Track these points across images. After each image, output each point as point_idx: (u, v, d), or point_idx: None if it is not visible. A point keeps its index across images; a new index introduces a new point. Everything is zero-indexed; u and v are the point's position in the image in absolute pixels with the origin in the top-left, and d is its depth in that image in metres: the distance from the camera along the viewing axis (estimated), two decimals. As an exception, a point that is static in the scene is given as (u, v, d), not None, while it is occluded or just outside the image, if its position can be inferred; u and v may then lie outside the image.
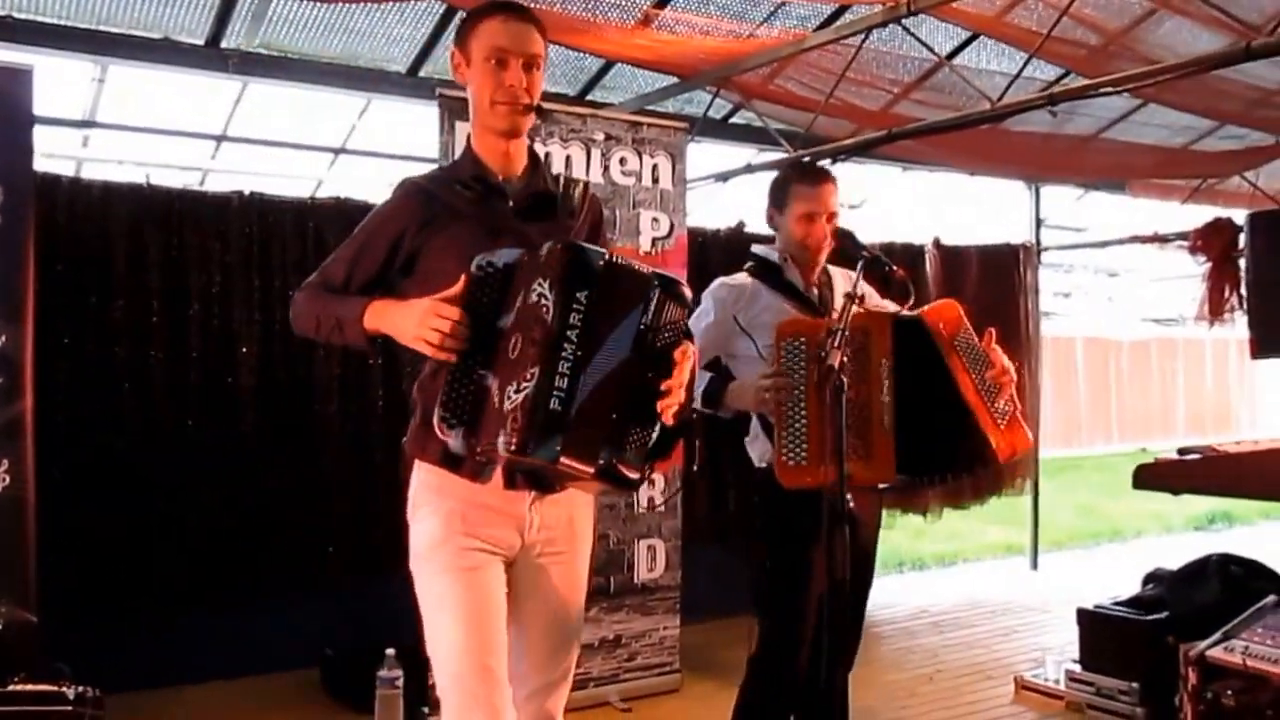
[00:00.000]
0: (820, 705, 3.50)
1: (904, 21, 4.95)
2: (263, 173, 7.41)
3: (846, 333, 3.04)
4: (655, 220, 5.31)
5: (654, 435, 2.38)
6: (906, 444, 3.23)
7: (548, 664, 2.64)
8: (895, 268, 3.32)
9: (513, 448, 2.19)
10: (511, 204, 2.58)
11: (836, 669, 3.47)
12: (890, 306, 3.63)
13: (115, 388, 5.08)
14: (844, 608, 3.44)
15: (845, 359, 3.00)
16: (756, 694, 3.55)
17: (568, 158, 5.03)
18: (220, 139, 7.02)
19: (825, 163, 6.80)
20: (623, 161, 5.20)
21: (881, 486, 3.54)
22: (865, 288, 3.66)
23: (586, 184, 2.84)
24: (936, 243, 7.76)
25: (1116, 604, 5.19)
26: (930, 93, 6.29)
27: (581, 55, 6.04)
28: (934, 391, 3.26)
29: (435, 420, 2.30)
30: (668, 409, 2.37)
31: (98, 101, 6.26)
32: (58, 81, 6.68)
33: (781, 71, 5.98)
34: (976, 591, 7.93)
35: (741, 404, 3.47)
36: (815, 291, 3.65)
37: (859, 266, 3.21)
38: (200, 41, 5.48)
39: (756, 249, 3.78)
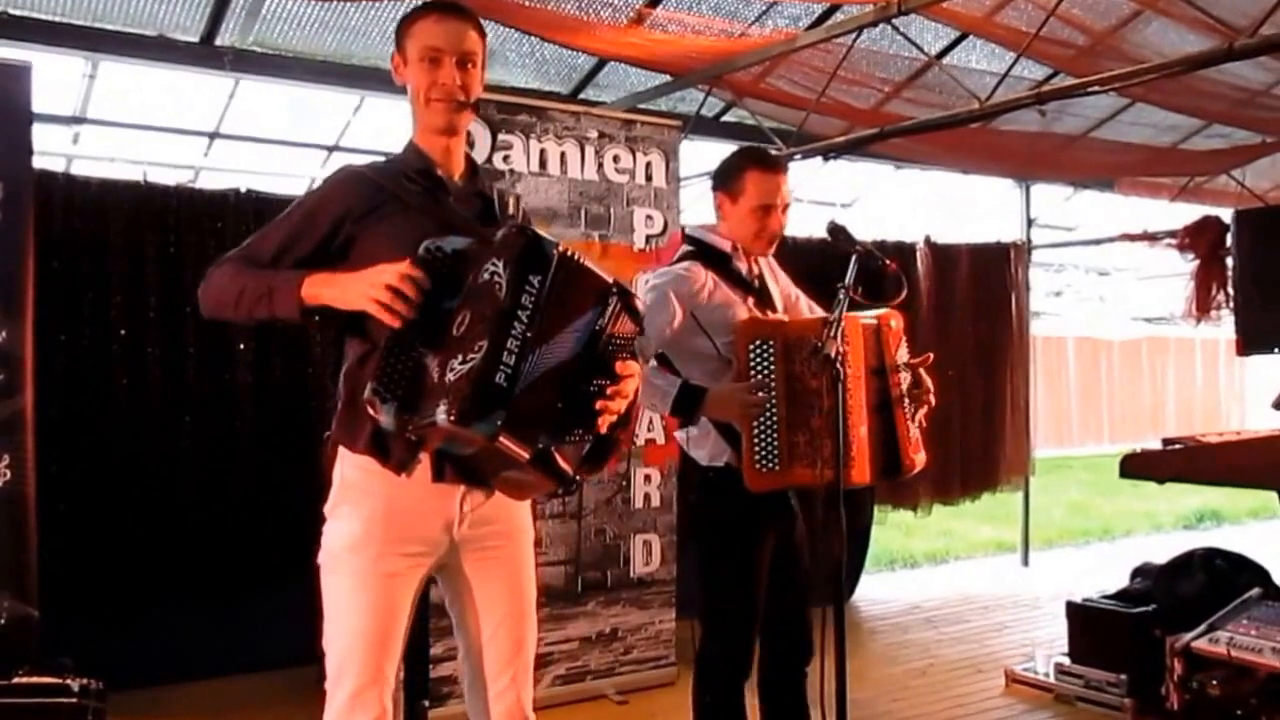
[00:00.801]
0: (782, 700, 3.58)
1: (894, 21, 5.01)
2: (256, 170, 7.42)
3: (843, 323, 3.07)
4: (649, 218, 5.35)
5: (591, 440, 2.36)
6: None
7: (511, 658, 2.62)
8: (888, 262, 3.35)
9: (453, 417, 2.11)
10: (452, 199, 2.56)
11: (797, 664, 3.57)
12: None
13: (112, 384, 5.09)
14: (803, 593, 3.54)
15: (840, 349, 3.03)
16: (712, 689, 3.51)
17: (562, 155, 5.07)
18: (213, 136, 7.05)
19: (817, 161, 6.96)
20: (616, 159, 5.24)
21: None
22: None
23: (516, 194, 2.87)
24: (928, 241, 7.81)
25: (1104, 598, 5.26)
26: (920, 91, 6.35)
27: (574, 54, 6.08)
28: (883, 398, 3.32)
29: (366, 394, 2.22)
30: (607, 414, 2.36)
31: (88, 98, 6.29)
32: (47, 78, 6.73)
33: (773, 70, 6.04)
34: (968, 587, 7.98)
35: (723, 414, 3.34)
36: (758, 283, 3.56)
37: (852, 261, 3.21)
38: (195, 39, 5.51)
39: (695, 231, 3.62)
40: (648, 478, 5.40)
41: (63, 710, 3.93)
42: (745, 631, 3.44)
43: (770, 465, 3.25)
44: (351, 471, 2.46)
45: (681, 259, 3.53)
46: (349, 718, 2.42)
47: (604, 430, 2.38)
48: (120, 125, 7.02)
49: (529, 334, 2.19)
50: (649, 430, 5.39)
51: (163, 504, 5.16)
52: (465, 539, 2.52)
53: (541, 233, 2.33)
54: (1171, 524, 11.35)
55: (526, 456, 2.23)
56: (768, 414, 3.24)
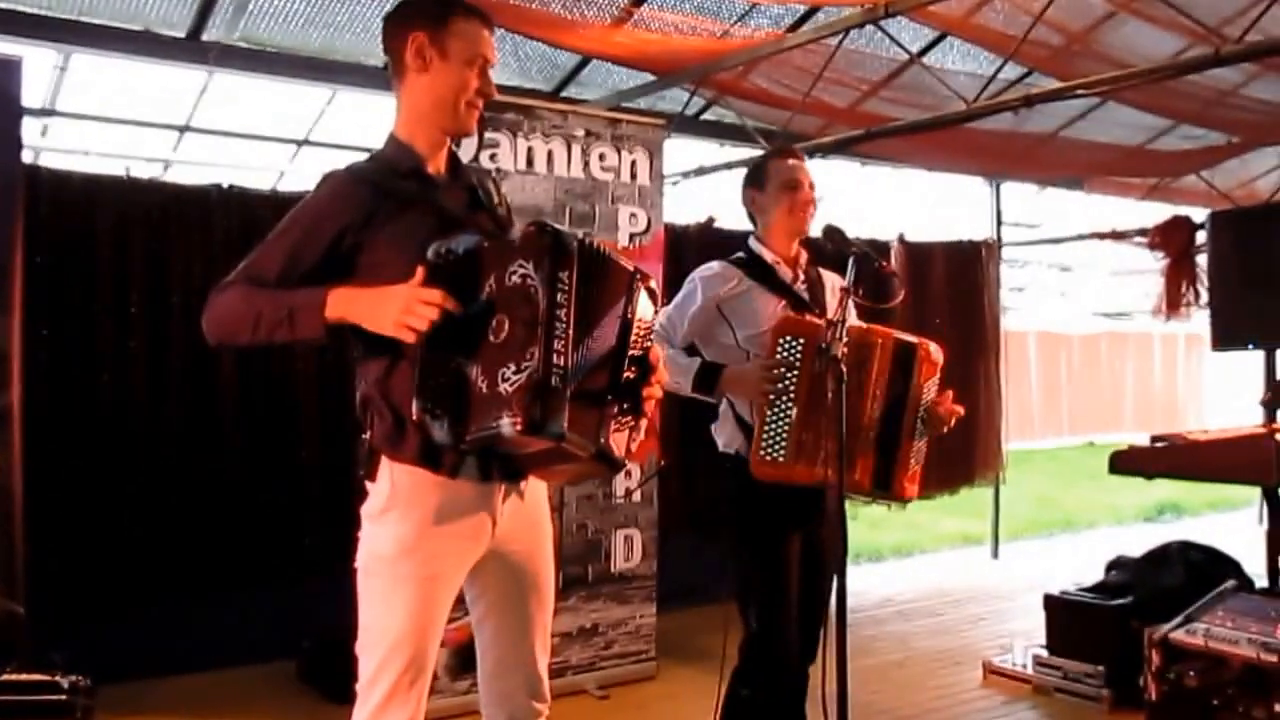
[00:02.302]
0: (783, 699, 3.63)
1: (879, 22, 5.06)
2: (227, 164, 7.40)
3: (846, 325, 3.14)
4: (633, 216, 5.37)
5: (633, 424, 2.40)
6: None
7: (544, 647, 2.68)
8: (885, 263, 3.42)
9: (519, 427, 2.13)
10: (441, 193, 2.54)
11: (802, 664, 3.64)
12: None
13: (96, 379, 5.06)
14: (823, 598, 3.54)
15: (845, 351, 3.09)
16: (750, 683, 3.54)
17: (549, 153, 5.09)
18: (184, 130, 7.01)
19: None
20: (602, 157, 5.25)
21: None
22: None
23: (494, 176, 2.88)
24: (901, 239, 7.88)
25: (1082, 590, 5.34)
26: (899, 91, 6.40)
27: (556, 51, 6.09)
28: (895, 419, 3.39)
29: (415, 414, 2.25)
30: (650, 399, 2.42)
31: (58, 90, 6.25)
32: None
33: (755, 69, 6.07)
34: (941, 580, 8.07)
35: (738, 392, 3.49)
36: (805, 288, 3.67)
37: (850, 263, 3.25)
38: (181, 34, 5.48)
39: (751, 243, 3.75)
40: (629, 472, 5.40)
41: (52, 707, 3.94)
42: (784, 622, 3.49)
43: (775, 455, 3.32)
44: (402, 477, 2.44)
45: (729, 262, 3.68)
46: (384, 716, 2.42)
47: (649, 413, 2.43)
48: (91, 118, 6.96)
49: (572, 332, 2.21)
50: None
51: (149, 500, 5.15)
52: (501, 533, 2.55)
53: (561, 228, 2.34)
54: (1133, 516, 11.54)
55: (591, 452, 2.28)
56: (783, 406, 3.31)
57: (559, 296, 2.20)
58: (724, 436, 3.62)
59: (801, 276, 3.69)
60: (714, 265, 3.67)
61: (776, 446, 3.32)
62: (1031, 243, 9.98)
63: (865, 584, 7.89)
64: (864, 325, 3.43)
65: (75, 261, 5.05)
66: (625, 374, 2.35)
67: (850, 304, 3.21)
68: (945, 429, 3.54)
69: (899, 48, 5.59)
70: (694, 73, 5.81)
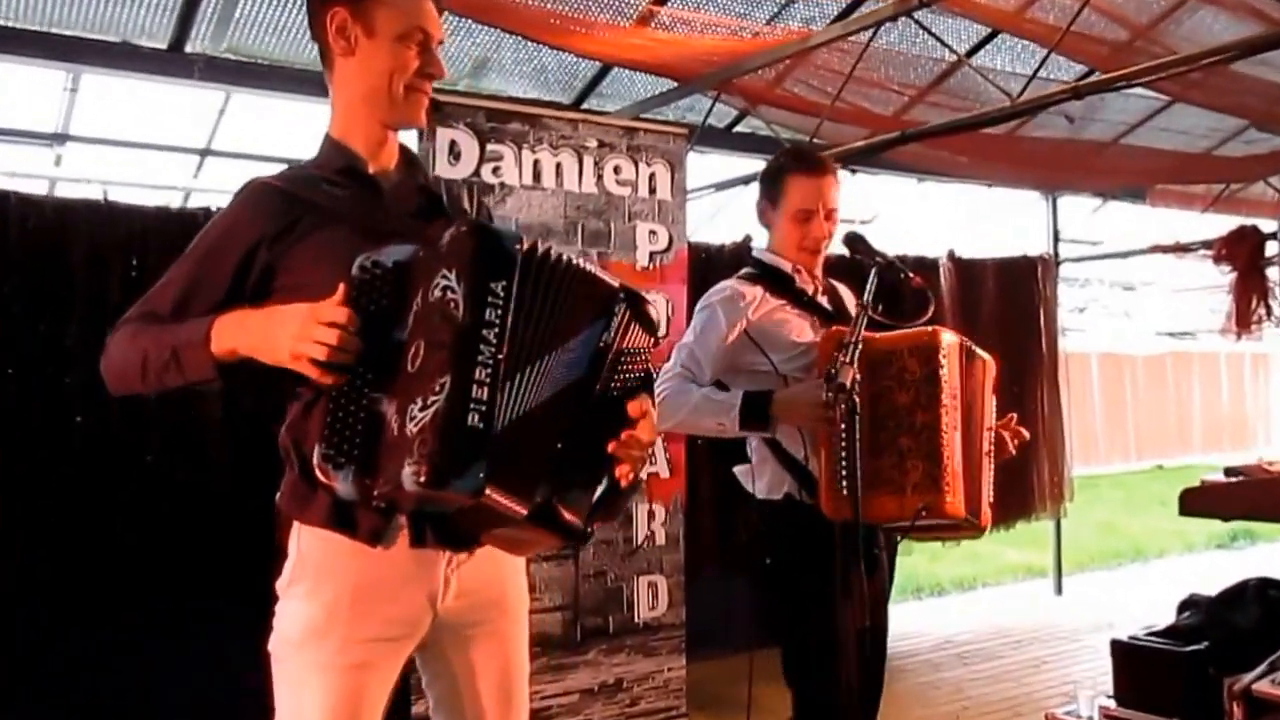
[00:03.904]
0: None
1: (918, 17, 4.64)
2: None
3: (859, 347, 2.74)
4: (653, 233, 4.98)
5: (603, 486, 1.96)
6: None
7: None
8: (912, 275, 2.99)
9: (422, 479, 1.71)
10: (387, 199, 2.16)
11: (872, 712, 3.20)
12: None
13: (68, 414, 4.66)
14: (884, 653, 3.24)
15: (858, 377, 2.70)
16: None
17: (558, 166, 4.71)
18: (204, 154, 6.71)
19: (842, 172, 6.57)
20: (617, 170, 4.86)
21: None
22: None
23: (471, 185, 2.49)
24: (951, 255, 7.47)
25: (1151, 634, 4.87)
26: (945, 96, 5.99)
27: (575, 61, 5.72)
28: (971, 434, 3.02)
29: (316, 459, 1.81)
30: (628, 467, 1.97)
31: (70, 114, 5.98)
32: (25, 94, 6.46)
33: (788, 75, 5.68)
34: (1001, 619, 7.61)
35: (794, 418, 3.02)
36: (827, 300, 3.29)
37: (872, 273, 2.89)
38: (162, 45, 5.13)
39: (759, 253, 3.38)
40: (651, 514, 4.98)
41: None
42: (848, 699, 2.98)
43: (852, 481, 2.85)
44: (311, 543, 2.03)
45: (741, 279, 3.27)
46: None
47: (625, 481, 1.98)
48: (105, 142, 6.69)
49: (501, 357, 1.79)
50: (652, 463, 5.00)
51: (123, 546, 4.73)
52: (450, 612, 2.10)
53: (499, 226, 1.94)
54: (1204, 543, 11.00)
55: (523, 513, 1.84)
56: (847, 433, 2.87)
57: (488, 313, 1.80)
58: (764, 481, 3.17)
59: (820, 288, 3.30)
60: (727, 285, 3.25)
61: (850, 476, 2.86)
62: (1090, 258, 9.53)
63: (924, 622, 7.45)
64: (930, 328, 2.98)
65: (48, 288, 4.65)
66: (594, 420, 1.93)
67: (864, 323, 2.79)
68: (1008, 454, 3.18)
69: (945, 47, 5.15)
70: (716, 77, 5.37)
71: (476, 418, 1.75)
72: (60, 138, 6.24)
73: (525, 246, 1.86)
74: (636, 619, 4.94)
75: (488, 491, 1.75)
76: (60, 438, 4.64)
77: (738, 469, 3.29)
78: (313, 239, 2.02)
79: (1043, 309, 8.00)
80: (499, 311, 1.80)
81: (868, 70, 5.44)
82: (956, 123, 4.94)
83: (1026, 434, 3.23)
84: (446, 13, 5.05)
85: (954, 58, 5.46)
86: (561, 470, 1.88)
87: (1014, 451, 3.20)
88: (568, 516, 1.89)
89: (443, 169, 4.40)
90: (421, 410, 1.75)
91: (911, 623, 7.32)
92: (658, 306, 4.90)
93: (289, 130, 6.96)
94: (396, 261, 1.88)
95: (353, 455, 1.80)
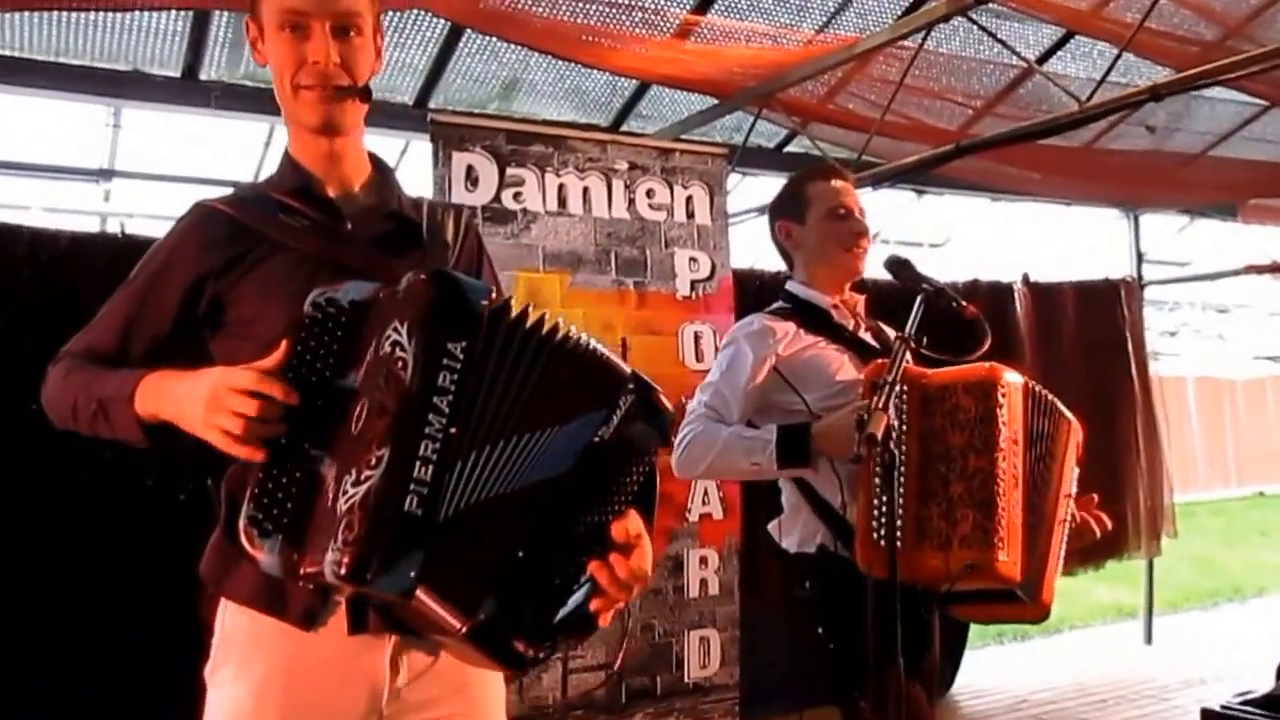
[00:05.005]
0: None
1: (981, 20, 4.23)
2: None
3: (899, 388, 2.39)
4: (693, 260, 4.65)
5: (568, 609, 1.63)
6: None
7: None
8: (965, 303, 2.62)
9: (343, 571, 1.44)
10: (350, 225, 1.87)
11: None
12: None
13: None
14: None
15: (894, 424, 2.32)
16: None
17: (585, 190, 4.40)
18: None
19: (906, 195, 6.21)
20: (650, 194, 4.54)
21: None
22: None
23: (461, 209, 2.12)
24: (1026, 279, 6.99)
25: (1246, 703, 4.45)
26: (1014, 107, 5.55)
27: (613, 79, 5.35)
28: (1041, 492, 2.65)
29: (242, 523, 1.52)
30: (609, 599, 1.65)
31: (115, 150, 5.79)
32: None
33: (841, 90, 5.27)
34: (1084, 671, 7.05)
35: (834, 448, 2.63)
36: (871, 335, 2.93)
37: (918, 301, 2.55)
38: (175, 73, 4.87)
39: (793, 286, 3.01)
40: (704, 560, 4.64)
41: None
42: None
43: (890, 538, 2.47)
44: (237, 621, 1.77)
45: (772, 314, 2.93)
46: None
47: (602, 614, 1.66)
48: (148, 177, 6.51)
49: (453, 431, 1.51)
50: (704, 503, 4.65)
51: (116, 540, 4.40)
52: (405, 700, 1.78)
53: (463, 277, 1.63)
54: (1308, 580, 10.36)
55: (459, 628, 1.53)
56: (885, 486, 2.49)
57: (441, 378, 1.52)
58: (797, 534, 2.82)
59: (862, 324, 2.93)
60: (755, 319, 2.91)
61: (889, 526, 2.47)
62: (1177, 280, 9.01)
63: (1003, 673, 6.95)
64: (989, 364, 2.61)
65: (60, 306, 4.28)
66: (570, 524, 1.62)
67: (903, 358, 2.42)
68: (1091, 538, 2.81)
69: (1012, 53, 4.70)
70: (758, 92, 4.95)
71: (415, 502, 1.48)
72: (107, 173, 6.09)
73: (494, 303, 1.60)
74: (686, 679, 4.59)
75: (419, 594, 1.49)
76: (60, 437, 4.32)
77: (771, 525, 2.94)
78: (261, 272, 1.80)
79: (1129, 334, 7.49)
80: (454, 376, 1.53)
81: (928, 81, 5.04)
82: (1017, 132, 4.47)
83: (1109, 523, 2.83)
84: (469, 30, 4.80)
85: (1021, 64, 5.02)
86: (519, 585, 1.58)
87: (1097, 536, 2.82)
88: (517, 645, 1.58)
89: (460, 196, 4.13)
90: (354, 485, 1.48)
91: (990, 673, 6.84)
92: (703, 337, 4.57)
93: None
94: (353, 300, 1.61)
95: (281, 522, 1.51)
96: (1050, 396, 2.72)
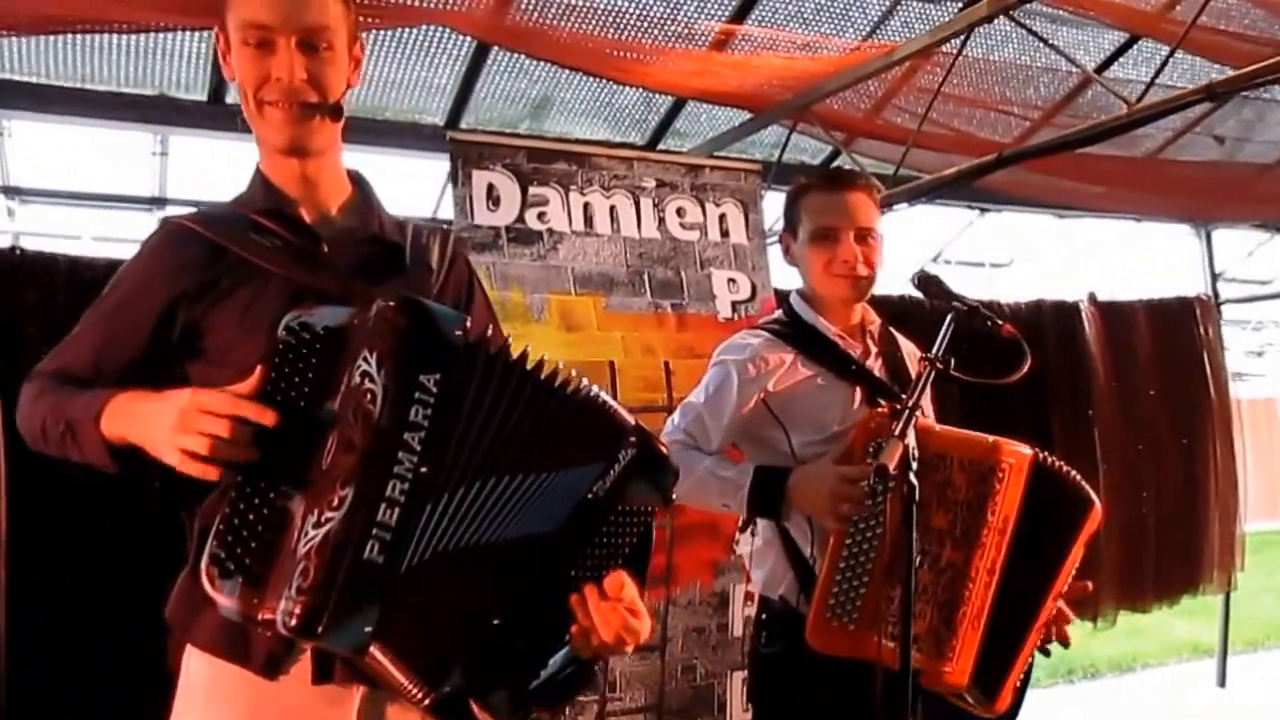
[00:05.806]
0: None
1: (1034, 25, 3.99)
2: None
3: (919, 413, 2.16)
4: (732, 281, 4.51)
5: (549, 670, 1.52)
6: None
7: None
8: (1001, 322, 2.39)
9: (293, 621, 1.35)
10: (327, 249, 1.77)
11: None
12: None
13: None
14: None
15: (914, 460, 2.09)
16: None
17: (612, 209, 4.27)
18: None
19: (970, 214, 5.94)
20: (680, 212, 4.41)
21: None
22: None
23: (448, 233, 1.97)
24: (1093, 298, 6.75)
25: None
26: (1070, 118, 5.28)
27: (649, 96, 5.17)
28: (1025, 594, 2.39)
29: (204, 561, 1.42)
30: (590, 666, 1.58)
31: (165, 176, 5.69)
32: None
33: (887, 104, 5.04)
34: (1149, 715, 6.76)
35: (806, 503, 2.45)
36: (882, 365, 2.67)
37: (948, 320, 2.33)
38: (202, 97, 4.80)
39: (797, 304, 2.76)
40: (750, 596, 4.37)
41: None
42: None
43: (846, 617, 2.30)
44: (199, 668, 1.69)
45: (766, 328, 2.70)
46: None
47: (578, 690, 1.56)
48: (193, 204, 6.49)
49: (424, 470, 1.43)
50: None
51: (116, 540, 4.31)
52: None
53: (436, 305, 1.52)
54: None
55: (420, 699, 1.45)
56: (863, 542, 2.31)
57: (413, 413, 1.44)
58: (764, 571, 2.64)
59: (874, 349, 2.67)
60: (748, 339, 2.67)
61: (849, 604, 2.29)
62: (1255, 299, 8.66)
63: (1064, 715, 6.66)
64: (990, 439, 2.37)
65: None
66: (554, 583, 1.53)
67: (928, 381, 2.21)
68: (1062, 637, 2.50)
69: (1067, 60, 4.44)
70: (791, 105, 4.72)
71: (377, 548, 1.40)
72: (160, 201, 6.09)
73: (471, 335, 1.53)
74: (730, 722, 4.39)
75: (373, 652, 1.41)
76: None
77: (744, 550, 2.85)
78: (237, 298, 1.74)
79: (1206, 354, 7.20)
80: (427, 411, 1.46)
81: (978, 90, 4.79)
82: (1063, 139, 4.17)
83: (1073, 616, 2.50)
84: (496, 49, 4.64)
85: (1078, 72, 4.76)
86: (490, 649, 1.48)
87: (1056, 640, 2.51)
88: (480, 714, 1.50)
89: (482, 216, 4.03)
90: (315, 526, 1.40)
91: (1055, 713, 6.55)
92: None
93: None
94: (328, 327, 1.52)
95: (244, 563, 1.41)
96: (1070, 474, 2.45)
